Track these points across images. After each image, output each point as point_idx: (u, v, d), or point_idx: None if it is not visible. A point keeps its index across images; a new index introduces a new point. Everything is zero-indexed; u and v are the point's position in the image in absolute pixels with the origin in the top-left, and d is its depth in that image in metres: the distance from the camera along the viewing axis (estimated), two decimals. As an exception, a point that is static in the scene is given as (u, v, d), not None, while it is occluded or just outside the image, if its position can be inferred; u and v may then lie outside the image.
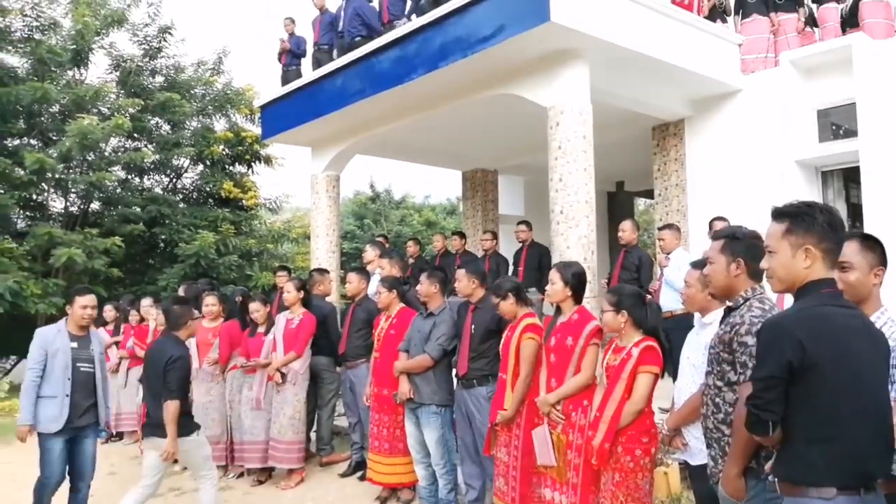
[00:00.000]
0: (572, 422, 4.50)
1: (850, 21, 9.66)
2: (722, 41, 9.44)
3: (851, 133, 8.51)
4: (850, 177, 8.90)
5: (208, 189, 18.62)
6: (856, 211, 8.68)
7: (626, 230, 8.12)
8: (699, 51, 8.90)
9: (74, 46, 16.38)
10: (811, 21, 10.28)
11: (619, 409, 4.11)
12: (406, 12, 10.73)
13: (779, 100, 9.01)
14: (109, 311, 10.53)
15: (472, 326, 5.51)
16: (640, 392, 4.12)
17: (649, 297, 4.65)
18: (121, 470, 8.16)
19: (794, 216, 2.47)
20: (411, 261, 11.00)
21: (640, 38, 7.94)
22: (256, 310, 7.48)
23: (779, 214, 2.51)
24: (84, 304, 5.40)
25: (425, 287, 5.90)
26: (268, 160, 19.05)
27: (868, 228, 7.61)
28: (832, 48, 8.65)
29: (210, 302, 7.89)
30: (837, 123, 8.89)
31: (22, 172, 14.85)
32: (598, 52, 7.79)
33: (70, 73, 16.93)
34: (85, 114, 15.01)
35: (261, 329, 7.48)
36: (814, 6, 10.31)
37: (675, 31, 8.51)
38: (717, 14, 10.33)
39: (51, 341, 5.24)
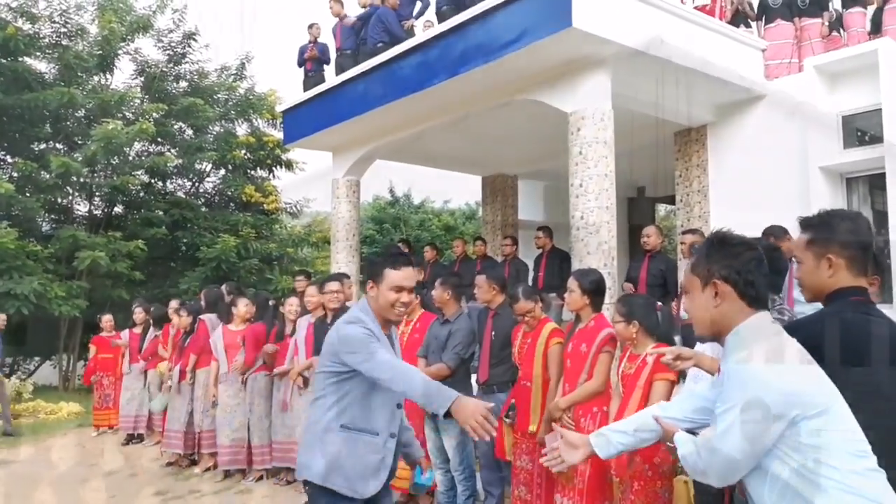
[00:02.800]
0: (582, 428, 4.47)
1: (875, 28, 9.57)
2: (745, 46, 9.36)
3: (877, 139, 8.39)
4: (875, 183, 8.78)
5: (230, 193, 18.76)
6: (881, 218, 8.56)
7: (651, 235, 8.06)
8: (722, 56, 8.83)
9: (100, 52, 16.62)
10: (838, 25, 10.17)
11: (637, 418, 4.07)
12: (414, 14, 10.79)
13: (803, 105, 8.91)
14: (140, 314, 10.57)
15: (493, 333, 5.50)
16: (657, 400, 4.08)
17: (660, 303, 4.63)
18: (142, 470, 8.23)
19: (815, 226, 2.48)
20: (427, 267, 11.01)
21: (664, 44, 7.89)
22: (292, 303, 7.51)
23: (802, 225, 2.53)
24: (398, 283, 3.08)
25: (438, 293, 5.90)
26: (289, 165, 19.18)
27: (894, 235, 7.51)
28: (857, 53, 8.55)
29: (244, 304, 7.92)
30: (863, 129, 8.78)
31: (48, 176, 15.07)
32: (619, 57, 7.75)
33: (96, 78, 17.17)
34: (110, 118, 15.19)
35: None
36: (841, 10, 10.20)
37: (698, 36, 8.46)
38: (739, 19, 10.26)
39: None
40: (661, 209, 20.23)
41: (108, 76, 17.33)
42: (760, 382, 1.89)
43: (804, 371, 1.97)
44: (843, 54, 8.78)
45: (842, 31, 10.16)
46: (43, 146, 16.78)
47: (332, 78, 11.35)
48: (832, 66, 8.77)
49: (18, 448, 9.64)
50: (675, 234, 12.04)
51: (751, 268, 2.08)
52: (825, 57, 8.95)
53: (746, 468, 1.99)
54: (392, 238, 22.23)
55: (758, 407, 1.86)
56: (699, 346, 3.91)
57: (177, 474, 8.00)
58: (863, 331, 2.26)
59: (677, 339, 5.37)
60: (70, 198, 16.84)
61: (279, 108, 14.45)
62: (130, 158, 17.06)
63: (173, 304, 9.85)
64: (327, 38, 12.74)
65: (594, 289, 4.72)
